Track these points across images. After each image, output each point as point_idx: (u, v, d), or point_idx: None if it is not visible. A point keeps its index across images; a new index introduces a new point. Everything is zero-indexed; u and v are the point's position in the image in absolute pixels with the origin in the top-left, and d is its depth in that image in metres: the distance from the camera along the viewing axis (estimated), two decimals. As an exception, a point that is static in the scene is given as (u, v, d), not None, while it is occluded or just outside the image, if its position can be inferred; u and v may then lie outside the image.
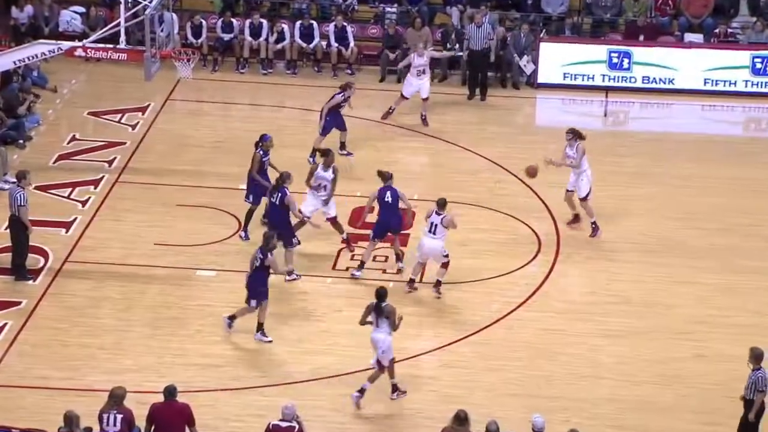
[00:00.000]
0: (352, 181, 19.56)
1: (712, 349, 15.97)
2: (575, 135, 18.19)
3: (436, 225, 16.58)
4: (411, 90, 21.60)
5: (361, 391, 14.82)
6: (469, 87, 22.91)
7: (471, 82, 22.81)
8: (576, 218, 18.50)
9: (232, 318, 16.13)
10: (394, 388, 15.02)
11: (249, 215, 18.06)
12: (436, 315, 16.69)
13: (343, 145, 20.35)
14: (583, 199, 18.22)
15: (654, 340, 16.28)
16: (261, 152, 18.02)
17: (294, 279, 17.20)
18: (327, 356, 15.80)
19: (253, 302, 15.92)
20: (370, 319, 14.87)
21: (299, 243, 17.49)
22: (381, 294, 14.85)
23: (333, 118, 20.09)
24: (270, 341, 16.02)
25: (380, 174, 17.42)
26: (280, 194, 17.01)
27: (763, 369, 13.75)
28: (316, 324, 16.45)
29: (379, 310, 14.77)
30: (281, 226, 16.90)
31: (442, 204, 16.66)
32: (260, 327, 16.03)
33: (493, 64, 23.07)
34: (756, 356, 13.71)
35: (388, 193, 17.22)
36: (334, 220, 17.82)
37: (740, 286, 17.47)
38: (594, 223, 18.36)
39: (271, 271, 15.85)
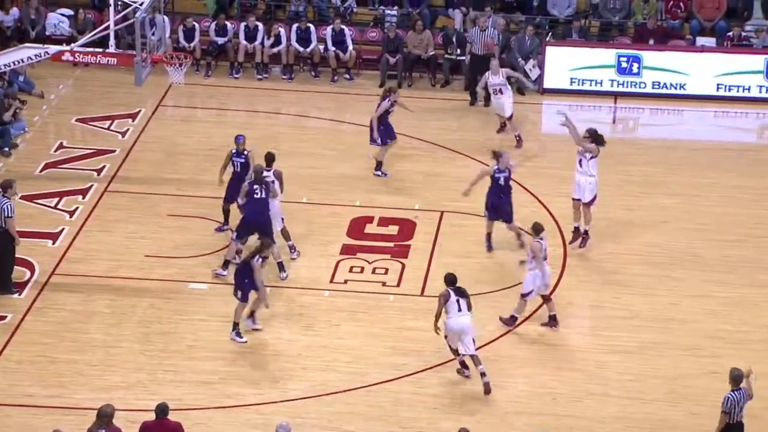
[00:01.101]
0: (352, 191, 19.64)
1: (725, 365, 15.96)
2: (592, 137, 18.05)
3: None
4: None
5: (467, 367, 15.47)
6: (471, 93, 23.01)
7: (473, 88, 22.91)
8: (576, 233, 18.41)
9: (251, 317, 16.33)
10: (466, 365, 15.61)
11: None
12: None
13: (380, 164, 20.29)
14: (587, 205, 18.25)
15: (664, 356, 16.33)
16: (233, 152, 18.10)
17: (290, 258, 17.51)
18: (325, 373, 15.85)
19: (239, 293, 16.11)
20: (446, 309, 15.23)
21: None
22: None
23: (386, 127, 20.05)
24: (245, 342, 16.16)
25: (265, 157, 17.47)
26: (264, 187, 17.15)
27: (742, 389, 13.79)
28: (314, 339, 16.51)
29: (462, 293, 15.33)
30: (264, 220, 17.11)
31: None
32: (236, 327, 16.21)
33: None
34: (733, 378, 13.81)
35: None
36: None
37: (755, 300, 17.52)
38: (586, 232, 18.34)
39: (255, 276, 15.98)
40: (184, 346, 16.30)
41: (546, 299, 16.70)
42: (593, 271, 18.15)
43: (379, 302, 17.24)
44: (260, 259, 16.08)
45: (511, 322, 16.62)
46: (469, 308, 15.46)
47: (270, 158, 17.73)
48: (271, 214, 17.39)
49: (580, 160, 18.03)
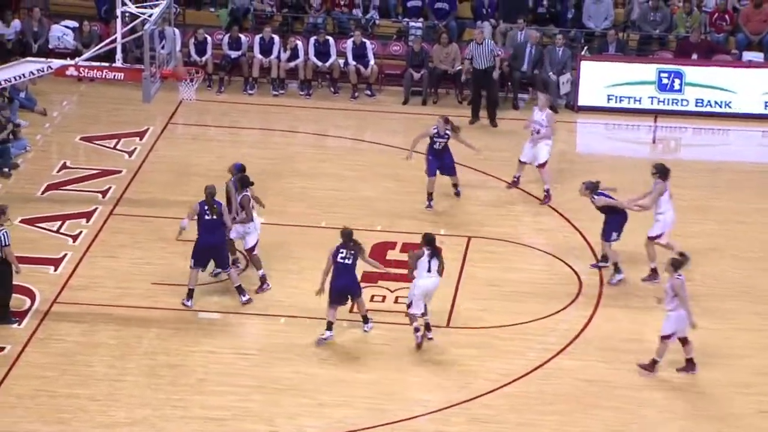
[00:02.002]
0: (372, 216, 19.66)
1: (776, 404, 15.92)
2: (660, 172, 18.01)
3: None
4: (527, 153, 20.53)
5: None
6: (472, 110, 23.02)
7: (474, 105, 22.94)
8: (654, 274, 18.31)
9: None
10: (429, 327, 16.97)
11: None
12: (465, 362, 16.70)
13: (430, 196, 20.17)
14: (650, 239, 18.11)
15: (711, 394, 16.22)
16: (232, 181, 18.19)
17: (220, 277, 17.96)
18: (343, 408, 15.83)
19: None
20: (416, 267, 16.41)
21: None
22: (432, 239, 16.47)
23: (433, 157, 19.83)
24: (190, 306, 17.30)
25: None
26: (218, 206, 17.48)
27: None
28: (332, 372, 16.50)
29: (436, 255, 16.41)
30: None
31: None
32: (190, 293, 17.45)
33: (498, 83, 23.13)
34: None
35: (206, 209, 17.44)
36: (250, 251, 17.97)
37: (809, 334, 17.38)
38: (654, 270, 18.24)
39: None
40: (193, 380, 16.31)
41: (684, 341, 16.41)
42: (632, 301, 18.07)
43: (402, 334, 17.21)
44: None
45: (651, 367, 16.45)
46: (440, 272, 16.39)
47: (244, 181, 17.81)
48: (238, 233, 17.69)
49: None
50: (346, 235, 16.72)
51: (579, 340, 17.01)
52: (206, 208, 17.43)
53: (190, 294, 17.65)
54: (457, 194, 20.34)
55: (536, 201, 20.47)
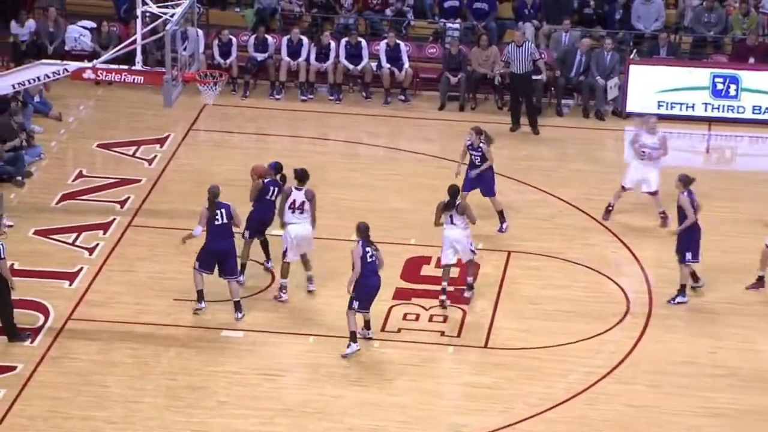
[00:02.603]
0: (406, 229, 19.65)
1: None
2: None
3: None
4: (632, 178, 19.83)
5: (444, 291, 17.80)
6: (512, 117, 22.99)
7: (514, 111, 22.91)
8: (760, 281, 18.29)
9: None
10: (470, 287, 18.14)
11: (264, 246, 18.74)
12: (504, 386, 16.68)
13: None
14: None
15: (766, 421, 16.12)
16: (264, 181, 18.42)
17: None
18: (374, 434, 15.86)
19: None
20: (443, 220, 17.75)
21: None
22: (454, 192, 17.63)
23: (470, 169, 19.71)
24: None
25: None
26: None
27: None
28: (362, 395, 16.50)
29: (453, 207, 17.64)
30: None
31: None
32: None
33: (541, 88, 23.15)
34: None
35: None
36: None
37: None
38: (760, 278, 18.24)
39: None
40: (214, 402, 16.34)
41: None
42: (684, 321, 17.98)
43: (437, 354, 17.19)
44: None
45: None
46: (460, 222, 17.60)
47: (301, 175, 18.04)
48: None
49: None
50: (365, 230, 16.84)
51: (626, 362, 16.89)
52: (212, 211, 17.53)
53: (199, 296, 17.77)
54: (501, 228, 19.82)
55: (582, 214, 20.38)
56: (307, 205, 17.87)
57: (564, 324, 17.81)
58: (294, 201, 17.87)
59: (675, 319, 18.01)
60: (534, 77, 22.84)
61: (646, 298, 18.35)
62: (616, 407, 16.31)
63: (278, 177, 18.43)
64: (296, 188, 17.92)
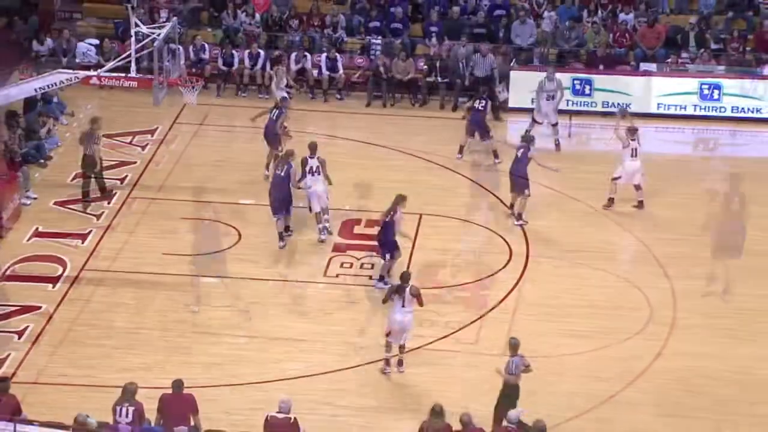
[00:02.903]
0: (342, 197, 19.62)
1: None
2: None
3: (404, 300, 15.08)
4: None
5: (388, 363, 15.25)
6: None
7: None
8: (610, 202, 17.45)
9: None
10: (401, 362, 15.34)
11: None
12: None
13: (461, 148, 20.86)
14: None
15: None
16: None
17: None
18: (320, 355, 15.88)
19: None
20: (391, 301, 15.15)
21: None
22: (407, 277, 15.15)
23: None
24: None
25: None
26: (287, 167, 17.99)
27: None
28: (310, 326, 16.53)
29: (402, 291, 14.98)
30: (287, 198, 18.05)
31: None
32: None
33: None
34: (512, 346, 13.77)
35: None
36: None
37: None
38: None
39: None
40: (196, 333, 16.30)
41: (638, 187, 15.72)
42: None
43: (367, 293, 17.23)
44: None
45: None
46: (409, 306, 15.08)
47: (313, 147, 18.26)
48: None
49: None
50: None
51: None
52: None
53: (280, 236, 18.02)
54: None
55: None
56: (320, 168, 17.98)
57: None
58: (311, 167, 18.03)
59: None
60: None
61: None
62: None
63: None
64: (310, 157, 18.11)
